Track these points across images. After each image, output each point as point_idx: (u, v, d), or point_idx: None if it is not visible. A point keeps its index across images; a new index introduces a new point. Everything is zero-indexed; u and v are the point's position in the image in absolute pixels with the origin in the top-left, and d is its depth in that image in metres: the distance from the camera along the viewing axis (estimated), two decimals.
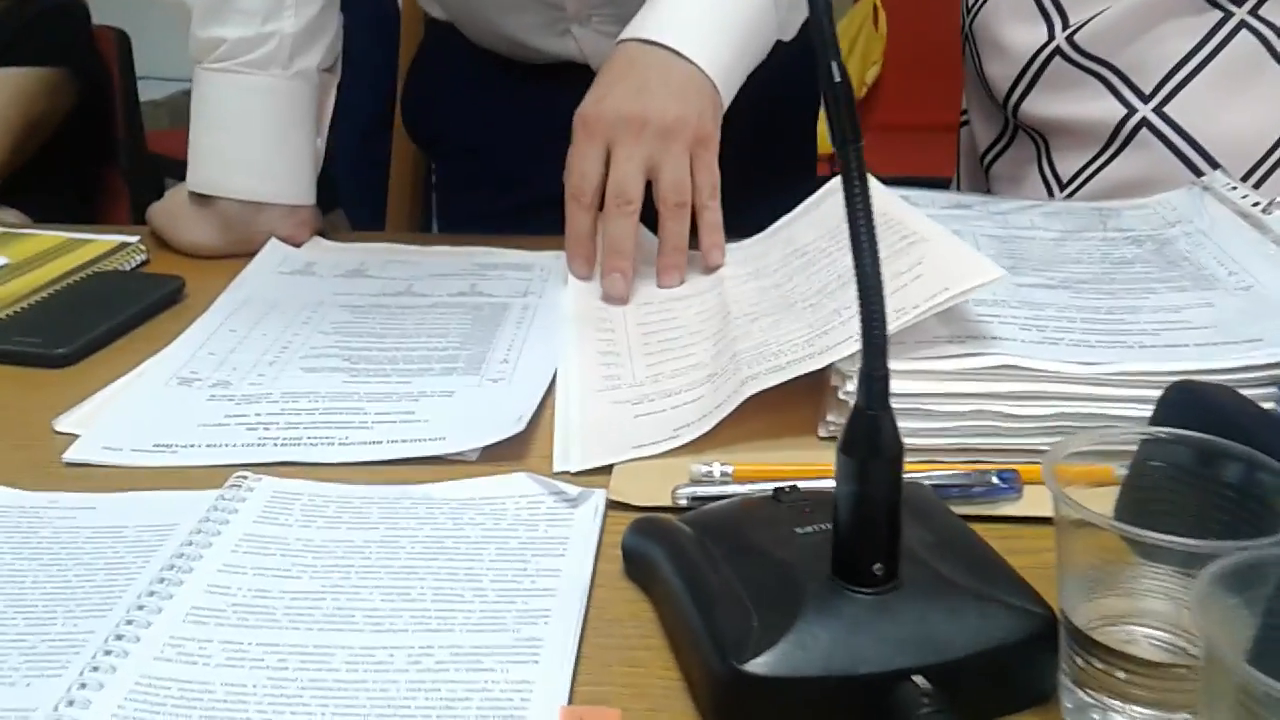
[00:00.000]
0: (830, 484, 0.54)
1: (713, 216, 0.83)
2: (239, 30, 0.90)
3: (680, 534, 0.49)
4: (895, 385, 0.57)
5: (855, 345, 0.58)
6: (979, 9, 0.98)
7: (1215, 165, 0.87)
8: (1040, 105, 0.92)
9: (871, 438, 0.41)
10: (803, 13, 0.92)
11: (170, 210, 0.95)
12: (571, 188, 0.82)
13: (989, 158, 1.00)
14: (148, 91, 3.20)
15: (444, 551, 0.52)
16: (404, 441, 0.62)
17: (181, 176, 0.94)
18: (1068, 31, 0.89)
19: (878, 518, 0.42)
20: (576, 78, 1.07)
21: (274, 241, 0.91)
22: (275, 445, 0.62)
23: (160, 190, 2.68)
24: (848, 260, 0.70)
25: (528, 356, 0.72)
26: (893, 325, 0.58)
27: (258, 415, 0.65)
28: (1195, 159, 0.87)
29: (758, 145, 0.98)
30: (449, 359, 0.72)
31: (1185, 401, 0.49)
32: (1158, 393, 0.56)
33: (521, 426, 0.61)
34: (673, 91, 0.82)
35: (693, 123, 0.81)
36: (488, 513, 0.55)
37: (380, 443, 0.62)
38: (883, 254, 0.66)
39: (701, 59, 0.83)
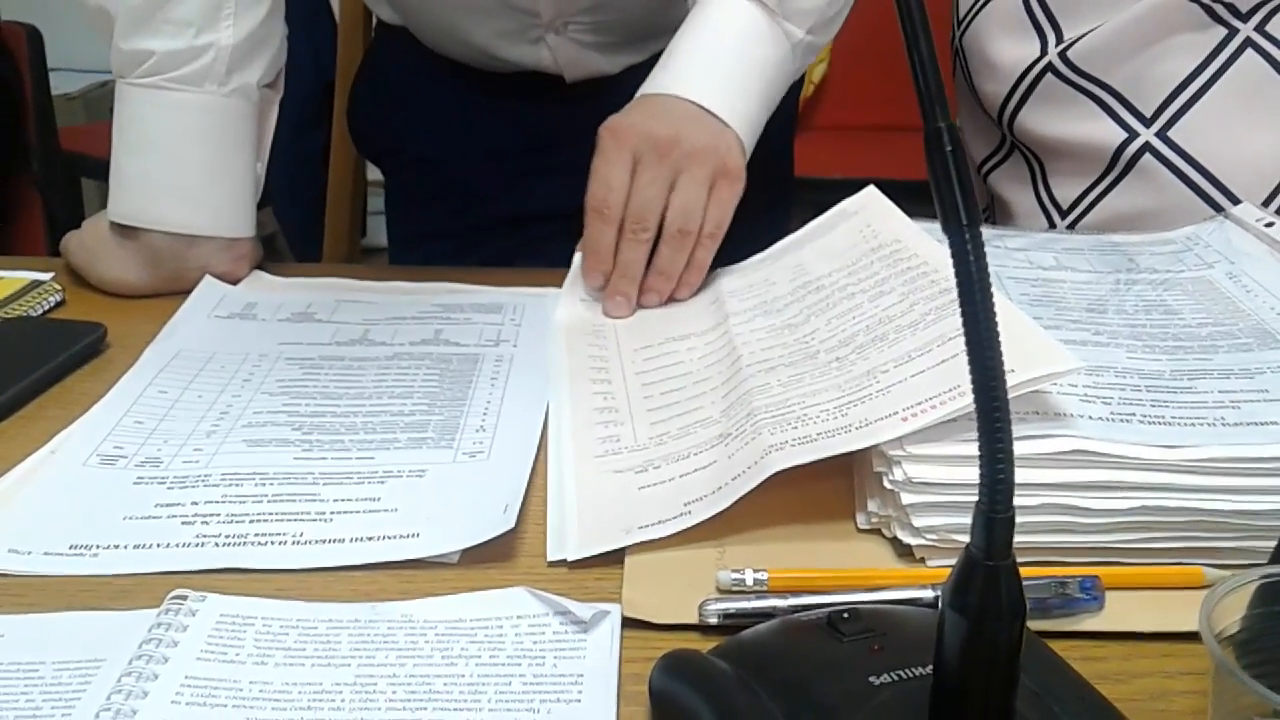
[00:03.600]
0: (886, 595, 0.48)
1: (702, 255, 0.78)
2: (169, 42, 0.79)
3: (721, 677, 0.41)
4: (942, 473, 0.51)
5: (901, 426, 0.51)
6: (969, 22, 0.91)
7: (1227, 193, 0.81)
8: (1035, 123, 0.85)
9: (990, 595, 0.33)
10: (815, 55, 0.86)
11: (89, 244, 0.84)
12: (595, 199, 0.77)
13: (986, 169, 0.93)
14: (61, 84, 3.04)
15: (433, 698, 0.43)
16: (370, 540, 0.53)
17: (99, 175, 0.83)
18: (1060, 47, 0.83)
19: (991, 691, 0.34)
20: (544, 89, 0.98)
21: (208, 280, 0.81)
22: (216, 546, 0.52)
23: (77, 196, 2.53)
24: (876, 308, 0.63)
25: (507, 422, 0.63)
26: (946, 408, 0.51)
27: (194, 505, 0.55)
28: (1206, 187, 0.81)
29: None
30: (417, 426, 0.63)
31: None
32: (1255, 481, 0.49)
33: (511, 523, 0.52)
34: (702, 126, 0.78)
35: (721, 155, 0.77)
36: (482, 640, 0.46)
37: (342, 541, 0.53)
38: (925, 311, 0.60)
39: (723, 111, 0.78)
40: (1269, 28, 0.80)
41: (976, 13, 0.89)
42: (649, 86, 0.81)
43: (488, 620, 0.47)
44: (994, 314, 0.31)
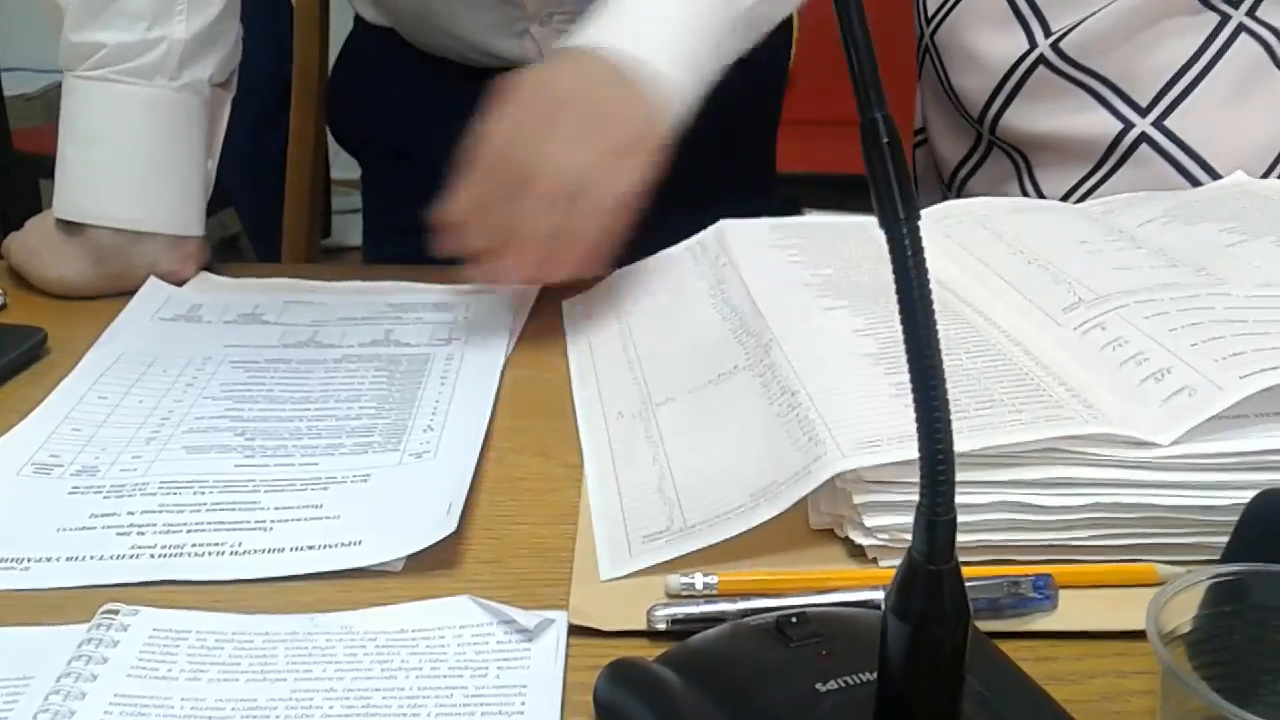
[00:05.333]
0: (837, 598, 0.47)
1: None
2: (120, 35, 0.78)
3: (666, 686, 0.40)
4: (893, 471, 0.49)
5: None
6: (942, 19, 0.90)
7: (1218, 177, 0.81)
8: (1022, 119, 0.84)
9: (933, 600, 0.32)
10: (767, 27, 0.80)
11: (31, 243, 0.82)
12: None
13: (961, 174, 0.92)
14: (17, 85, 2.99)
15: (371, 712, 0.41)
16: (310, 549, 0.51)
17: None
18: (1051, 39, 0.82)
19: (936, 697, 0.33)
20: None
21: (154, 280, 0.79)
22: (151, 558, 0.51)
23: (34, 197, 2.50)
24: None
25: (455, 420, 0.62)
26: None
27: (130, 515, 0.54)
28: (1199, 174, 0.81)
29: (711, 158, 0.89)
30: (363, 430, 0.61)
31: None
32: (1212, 476, 0.48)
33: (453, 525, 0.51)
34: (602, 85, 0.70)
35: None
36: (423, 652, 0.44)
37: (282, 551, 0.51)
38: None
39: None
40: (1259, 13, 0.81)
41: (952, 8, 0.88)
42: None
43: (429, 631, 0.45)
44: (932, 310, 0.30)
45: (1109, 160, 0.82)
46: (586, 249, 0.69)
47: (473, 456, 0.58)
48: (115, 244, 0.79)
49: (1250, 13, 0.80)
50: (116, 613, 0.46)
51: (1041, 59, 0.82)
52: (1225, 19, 0.80)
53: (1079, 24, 0.80)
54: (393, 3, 0.99)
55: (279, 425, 0.62)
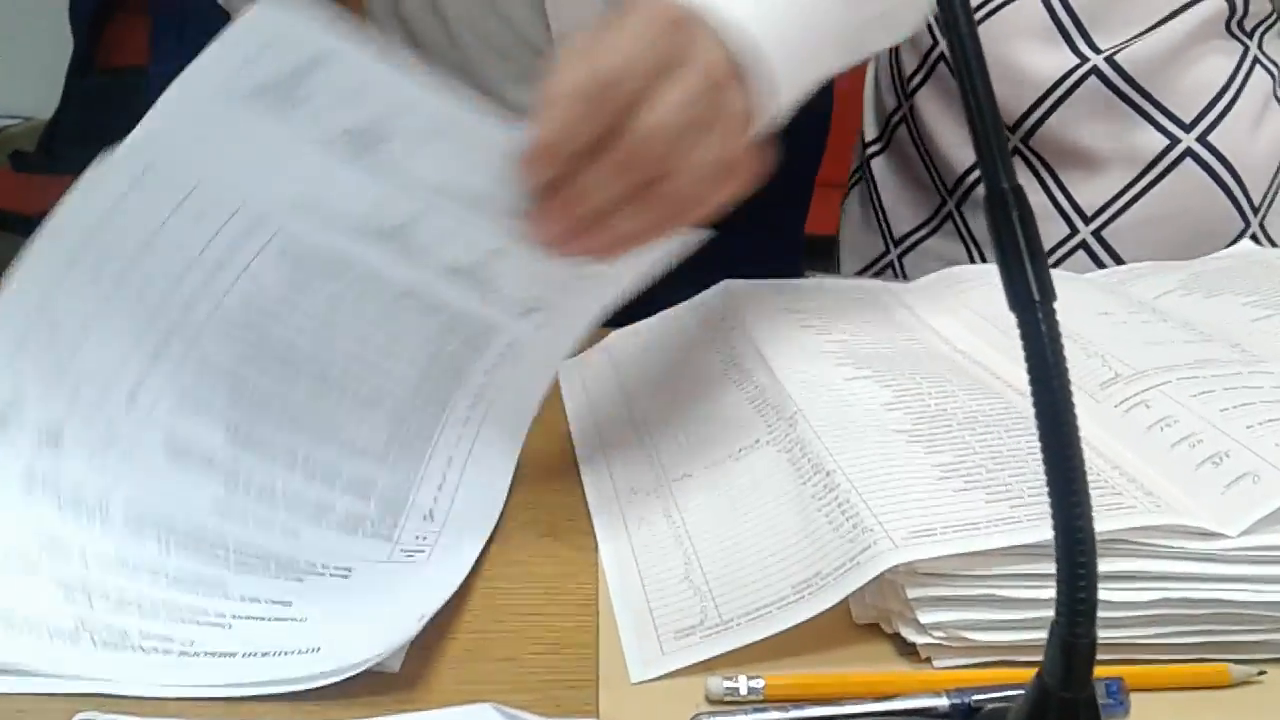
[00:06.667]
0: (898, 705, 0.43)
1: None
2: None
3: None
4: (951, 562, 0.46)
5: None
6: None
7: (1246, 191, 0.86)
8: (1064, 129, 0.87)
9: None
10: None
11: None
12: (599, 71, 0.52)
13: (970, 180, 0.92)
14: None
15: None
16: (265, 656, 0.45)
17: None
18: (1105, 54, 0.85)
19: None
20: None
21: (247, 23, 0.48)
22: (93, 644, 0.45)
23: None
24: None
25: (460, 507, 0.57)
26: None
27: (82, 555, 0.48)
28: (1231, 185, 0.86)
29: (743, 215, 0.87)
30: (361, 486, 0.55)
31: None
32: None
33: (414, 632, 0.46)
34: None
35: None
36: None
37: (234, 655, 0.46)
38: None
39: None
40: (1264, 47, 0.88)
41: (982, 20, 0.89)
42: None
43: None
44: (1072, 403, 0.27)
45: (1151, 173, 0.86)
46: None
47: (473, 552, 0.53)
48: None
49: (1259, 46, 0.87)
50: None
51: (1095, 71, 0.85)
52: (1246, 48, 0.87)
53: (1129, 42, 0.84)
54: (424, 46, 0.95)
55: (274, 437, 0.54)
